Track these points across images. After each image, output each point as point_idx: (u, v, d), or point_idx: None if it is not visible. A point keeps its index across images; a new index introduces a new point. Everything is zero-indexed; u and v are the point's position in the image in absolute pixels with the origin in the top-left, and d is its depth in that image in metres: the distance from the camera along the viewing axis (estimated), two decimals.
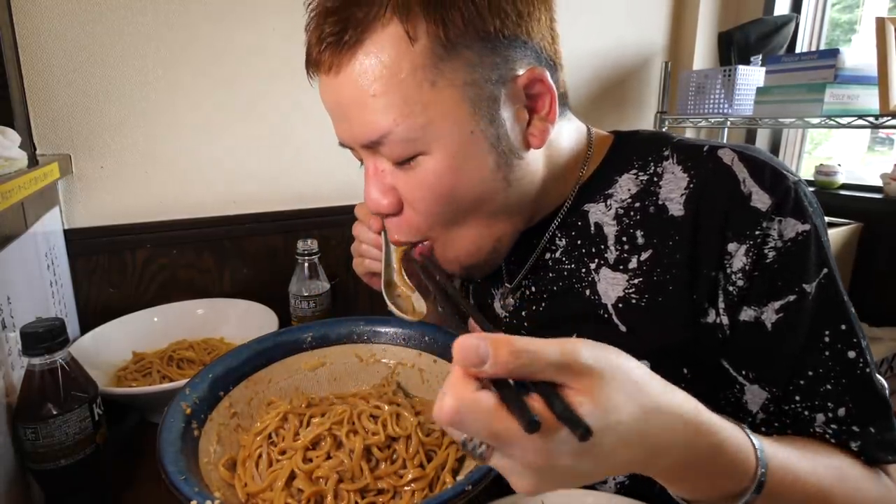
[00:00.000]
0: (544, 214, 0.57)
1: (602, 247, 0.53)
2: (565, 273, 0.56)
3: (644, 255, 0.50)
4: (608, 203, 0.54)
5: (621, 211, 0.53)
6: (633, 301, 0.51)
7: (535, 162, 0.51)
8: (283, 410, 0.55)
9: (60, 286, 0.86)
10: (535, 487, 0.29)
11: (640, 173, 0.53)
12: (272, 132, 1.08)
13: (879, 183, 1.41)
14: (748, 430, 0.37)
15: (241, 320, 0.93)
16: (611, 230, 0.53)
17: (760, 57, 1.44)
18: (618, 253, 0.52)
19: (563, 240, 0.57)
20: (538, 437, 0.26)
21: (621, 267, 0.52)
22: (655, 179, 0.51)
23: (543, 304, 0.58)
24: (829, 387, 0.45)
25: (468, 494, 0.40)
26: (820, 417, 0.45)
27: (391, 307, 0.59)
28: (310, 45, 0.47)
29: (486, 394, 0.27)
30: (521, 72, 0.46)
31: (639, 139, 0.56)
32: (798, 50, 1.58)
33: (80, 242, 0.94)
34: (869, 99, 1.19)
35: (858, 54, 1.20)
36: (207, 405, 0.55)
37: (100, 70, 0.92)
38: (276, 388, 0.63)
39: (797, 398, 0.46)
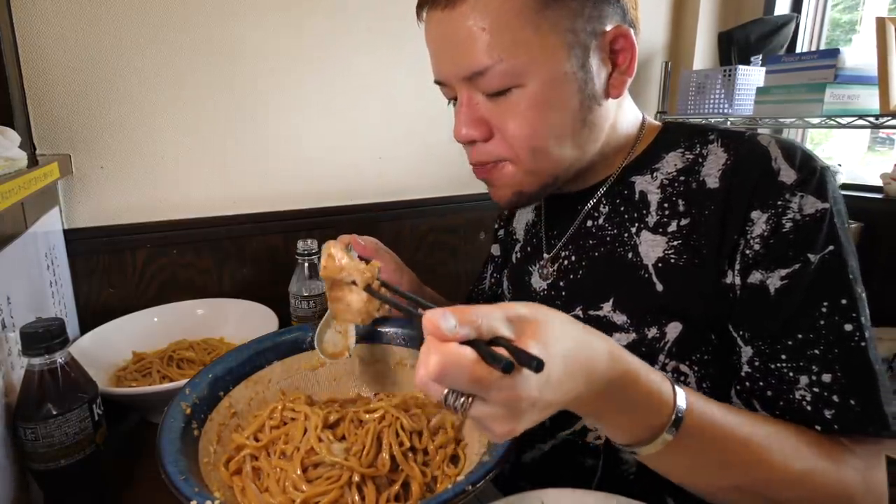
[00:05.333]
0: (593, 182, 0.61)
1: (644, 212, 0.57)
2: (608, 238, 0.59)
3: (684, 221, 0.54)
4: (654, 175, 0.57)
5: (666, 182, 0.56)
6: (672, 261, 0.53)
7: (607, 114, 0.56)
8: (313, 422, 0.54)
9: (60, 286, 0.86)
10: (512, 428, 0.34)
11: (686, 152, 0.57)
12: (272, 132, 1.08)
13: (879, 183, 1.40)
14: (671, 380, 0.42)
15: (241, 320, 0.93)
16: (654, 197, 0.57)
17: (760, 57, 1.44)
18: (658, 217, 0.56)
19: (607, 207, 0.60)
20: (510, 378, 0.31)
21: (661, 230, 0.55)
22: (700, 160, 0.55)
23: (581, 272, 0.61)
24: (817, 352, 0.46)
25: (468, 494, 0.40)
26: (804, 379, 0.46)
27: (317, 345, 0.61)
28: None
29: (467, 348, 0.31)
30: (608, 27, 0.52)
31: (687, 126, 0.60)
32: (798, 50, 1.58)
33: (80, 242, 0.94)
34: (869, 99, 1.19)
35: (858, 54, 1.19)
36: (207, 405, 0.55)
37: (100, 70, 0.92)
38: (275, 388, 0.63)
39: (783, 357, 0.47)
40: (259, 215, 1.09)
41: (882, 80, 1.10)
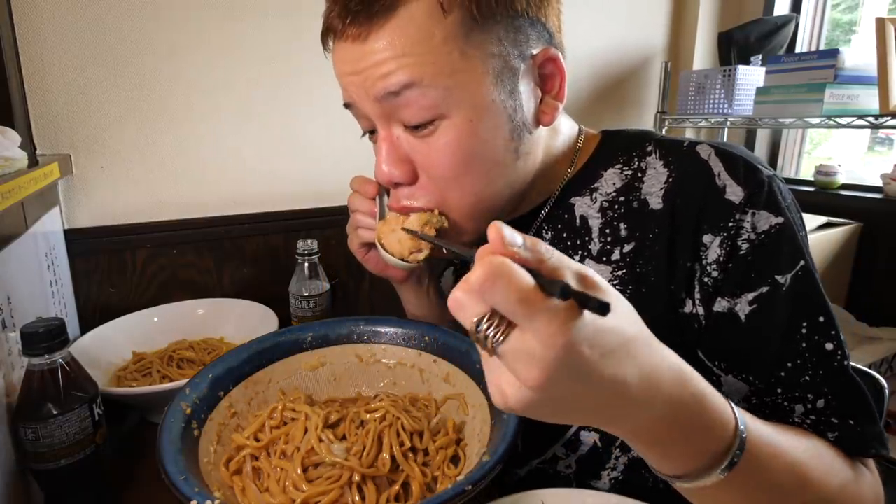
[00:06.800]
0: (532, 206, 0.58)
1: (586, 238, 0.55)
2: None
3: (627, 248, 0.52)
4: (593, 196, 0.55)
5: (606, 204, 0.54)
6: (618, 292, 0.51)
7: (540, 140, 0.53)
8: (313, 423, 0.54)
9: (60, 286, 0.86)
10: (537, 378, 0.26)
11: (624, 168, 0.54)
12: (272, 132, 1.08)
13: (879, 183, 1.41)
14: (731, 404, 0.37)
15: (241, 320, 0.93)
16: (595, 223, 0.54)
17: (760, 57, 1.44)
18: (601, 245, 0.53)
19: (550, 233, 0.58)
20: (564, 309, 0.25)
21: (605, 259, 0.53)
22: (640, 175, 0.53)
23: None
24: (807, 378, 0.45)
25: (468, 494, 0.40)
26: (799, 408, 0.45)
27: (385, 255, 0.55)
28: (331, 15, 0.47)
29: (522, 269, 0.26)
30: (536, 51, 0.49)
31: (624, 136, 0.57)
32: (798, 50, 1.58)
33: (80, 242, 0.94)
34: (869, 99, 1.19)
35: (858, 54, 1.20)
36: (207, 405, 0.55)
37: (100, 70, 0.92)
38: (275, 388, 0.63)
39: (779, 390, 0.46)
40: (259, 215, 1.09)
41: (882, 80, 1.10)
